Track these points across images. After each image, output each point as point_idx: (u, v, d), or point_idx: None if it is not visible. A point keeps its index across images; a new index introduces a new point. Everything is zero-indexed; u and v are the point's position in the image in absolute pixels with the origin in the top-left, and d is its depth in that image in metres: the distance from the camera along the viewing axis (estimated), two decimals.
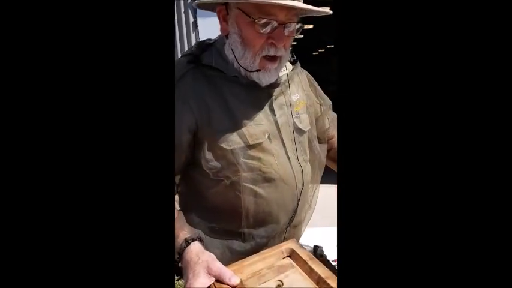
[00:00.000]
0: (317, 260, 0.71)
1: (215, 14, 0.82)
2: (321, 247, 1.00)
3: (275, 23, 0.72)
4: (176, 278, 0.75)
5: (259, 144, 0.80)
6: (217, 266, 0.64)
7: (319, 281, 0.66)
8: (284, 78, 0.87)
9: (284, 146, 0.84)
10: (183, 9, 3.18)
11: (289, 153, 0.85)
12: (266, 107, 0.83)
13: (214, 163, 0.79)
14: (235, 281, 0.63)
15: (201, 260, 0.65)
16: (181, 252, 0.67)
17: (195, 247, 0.68)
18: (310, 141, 0.93)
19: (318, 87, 1.03)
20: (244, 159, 0.79)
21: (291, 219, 0.87)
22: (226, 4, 0.78)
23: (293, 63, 0.96)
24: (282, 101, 0.86)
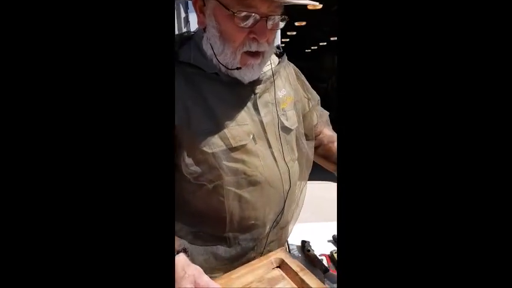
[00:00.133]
0: (308, 271, 0.70)
1: None
2: (308, 242, 1.01)
3: (257, 16, 0.65)
4: None
5: (243, 146, 0.75)
6: (205, 281, 0.61)
7: None
8: (269, 73, 0.81)
9: (270, 146, 0.79)
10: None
11: (275, 153, 0.80)
12: (250, 106, 0.78)
13: (195, 168, 0.74)
14: None
15: (188, 275, 0.62)
16: None
17: (180, 260, 0.65)
18: (297, 139, 0.89)
19: (306, 82, 0.98)
20: (226, 163, 0.74)
21: (277, 221, 0.83)
22: None
23: (279, 55, 0.90)
24: (267, 99, 0.81)
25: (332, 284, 0.83)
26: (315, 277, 0.68)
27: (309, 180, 0.93)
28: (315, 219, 1.32)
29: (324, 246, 1.02)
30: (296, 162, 0.88)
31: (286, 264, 0.72)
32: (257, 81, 0.78)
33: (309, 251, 0.96)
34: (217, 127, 0.73)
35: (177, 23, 3.15)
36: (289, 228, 0.91)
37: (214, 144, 0.73)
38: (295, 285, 0.68)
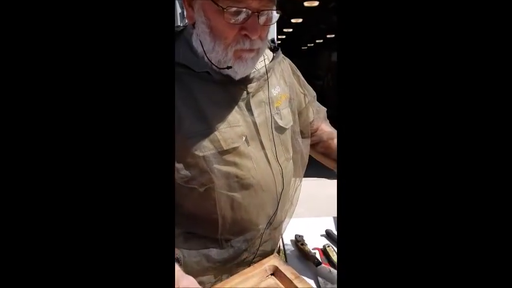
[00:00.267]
0: (302, 278, 0.69)
1: None
2: (301, 236, 1.03)
3: (248, 11, 0.62)
4: None
5: (235, 148, 0.72)
6: None
7: None
8: (262, 70, 0.77)
9: (263, 148, 0.77)
10: None
11: (268, 155, 0.77)
12: (243, 106, 0.74)
13: (185, 172, 0.71)
14: None
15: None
16: None
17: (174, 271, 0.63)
18: (292, 138, 0.86)
19: (302, 77, 0.94)
20: (218, 166, 0.71)
21: (270, 222, 0.82)
22: None
23: (274, 50, 0.86)
24: (261, 97, 0.77)
25: (322, 280, 0.85)
26: (309, 284, 0.67)
27: (304, 177, 0.91)
28: (308, 215, 1.33)
29: (317, 240, 1.04)
30: (291, 161, 0.86)
31: (281, 271, 0.71)
32: (250, 80, 0.74)
33: (302, 244, 0.98)
34: (208, 129, 0.70)
35: None
36: (283, 228, 0.90)
37: (205, 148, 0.70)
38: None
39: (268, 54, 0.84)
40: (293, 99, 0.88)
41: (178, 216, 0.75)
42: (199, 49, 0.70)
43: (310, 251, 0.95)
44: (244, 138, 0.73)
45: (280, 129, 0.81)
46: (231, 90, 0.73)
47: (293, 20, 6.96)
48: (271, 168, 0.78)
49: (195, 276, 0.72)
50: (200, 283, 0.70)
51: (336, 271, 0.85)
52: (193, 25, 0.70)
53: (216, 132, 0.70)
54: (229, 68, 0.68)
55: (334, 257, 0.93)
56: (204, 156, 0.70)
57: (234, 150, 0.72)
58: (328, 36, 9.34)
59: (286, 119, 0.83)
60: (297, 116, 0.89)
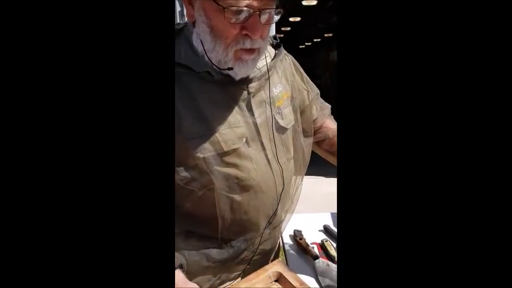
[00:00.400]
0: (307, 285, 0.68)
1: None
2: (300, 231, 1.05)
3: (249, 10, 0.61)
4: None
5: (235, 150, 0.72)
6: None
7: None
8: (264, 69, 0.76)
9: (264, 148, 0.76)
10: None
11: (269, 156, 0.76)
12: (243, 106, 0.73)
13: (185, 173, 0.71)
14: None
15: None
16: None
17: (177, 277, 0.63)
18: (294, 137, 0.85)
19: (305, 74, 0.93)
20: (218, 168, 0.71)
21: (270, 221, 0.82)
22: None
23: (276, 47, 0.85)
24: (262, 97, 0.76)
25: (322, 277, 0.86)
26: None
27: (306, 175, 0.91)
28: (307, 211, 1.35)
29: (315, 235, 1.06)
30: (292, 161, 0.85)
31: (285, 278, 0.70)
32: (251, 79, 0.73)
33: (301, 239, 1.00)
34: (208, 131, 0.69)
35: None
36: (282, 227, 0.89)
37: (206, 149, 0.69)
38: None
39: (270, 51, 0.82)
40: (295, 98, 0.87)
41: (178, 216, 0.74)
42: (200, 48, 0.69)
43: (308, 246, 0.97)
44: (244, 139, 0.73)
45: (281, 129, 0.80)
46: (231, 90, 0.72)
47: (291, 19, 6.96)
48: (271, 169, 0.77)
49: (195, 276, 0.73)
50: (200, 283, 0.70)
51: (333, 264, 0.87)
52: (194, 23, 0.69)
53: (216, 134, 0.70)
54: (230, 69, 0.68)
55: (332, 251, 0.95)
56: (204, 158, 0.70)
57: (234, 152, 0.72)
58: (326, 35, 9.35)
59: (287, 118, 0.82)
60: (299, 115, 0.88)
